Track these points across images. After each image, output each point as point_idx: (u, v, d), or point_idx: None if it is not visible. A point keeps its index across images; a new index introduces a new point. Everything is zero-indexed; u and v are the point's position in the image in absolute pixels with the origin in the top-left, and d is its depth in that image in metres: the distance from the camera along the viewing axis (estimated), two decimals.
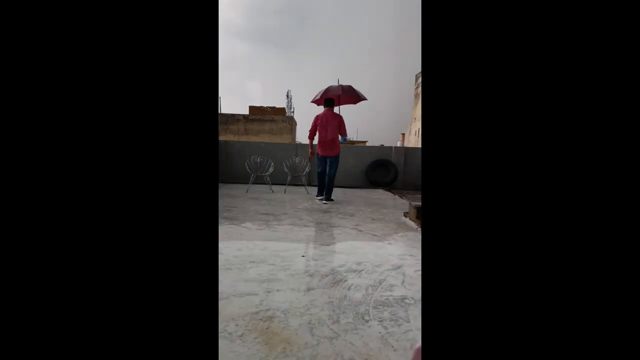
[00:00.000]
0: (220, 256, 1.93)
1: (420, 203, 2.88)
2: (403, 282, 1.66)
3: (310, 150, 4.35)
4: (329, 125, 3.94)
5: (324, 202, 4.05)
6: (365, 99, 4.39)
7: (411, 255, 2.09)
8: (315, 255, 2.04)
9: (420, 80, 14.30)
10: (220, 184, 5.58)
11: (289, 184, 5.10)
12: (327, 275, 1.69)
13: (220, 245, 2.14)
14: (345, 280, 1.63)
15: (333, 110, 4.07)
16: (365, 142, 29.08)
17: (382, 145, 7.17)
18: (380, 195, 5.14)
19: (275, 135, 16.33)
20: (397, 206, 4.07)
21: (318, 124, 3.99)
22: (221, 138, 13.77)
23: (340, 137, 4.04)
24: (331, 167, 4.05)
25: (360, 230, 2.73)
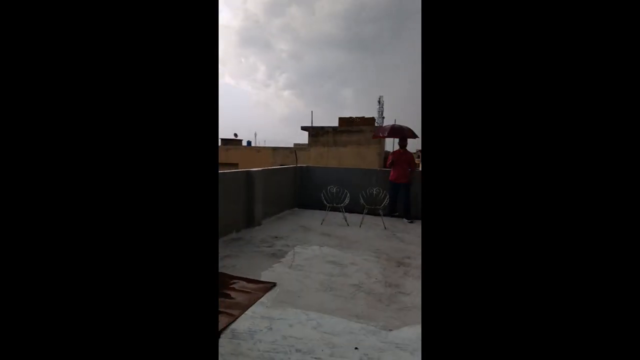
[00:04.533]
0: (269, 333, 1.85)
1: None
2: None
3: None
4: (401, 161, 5.02)
5: (407, 221, 4.92)
6: (413, 137, 5.11)
7: None
8: (372, 347, 1.76)
9: None
10: (298, 209, 5.72)
11: (367, 214, 4.84)
12: None
13: (275, 313, 2.08)
14: None
15: (405, 148, 5.11)
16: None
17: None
18: None
19: (362, 146, 16.20)
20: None
21: (394, 159, 5.03)
22: (311, 149, 14.39)
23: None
24: (403, 192, 4.99)
25: None
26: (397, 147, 5.27)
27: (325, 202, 4.83)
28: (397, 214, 5.10)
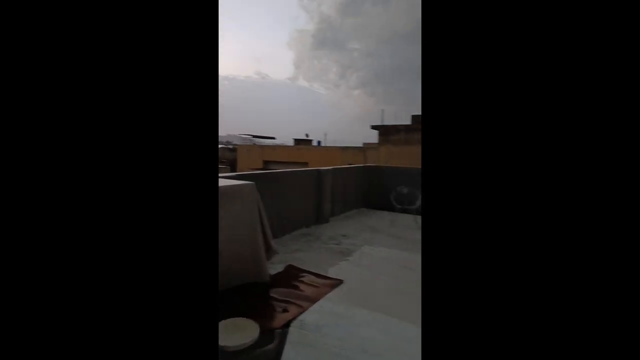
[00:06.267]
0: (336, 329, 1.87)
1: None
2: None
3: None
4: None
5: None
6: None
7: None
8: None
9: None
10: (366, 209, 5.65)
11: None
12: None
13: (342, 310, 2.09)
14: None
15: None
16: None
17: None
18: None
19: None
20: None
21: None
22: (381, 149, 14.07)
23: None
24: None
25: None
26: None
27: (394, 203, 4.68)
28: None
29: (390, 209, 4.86)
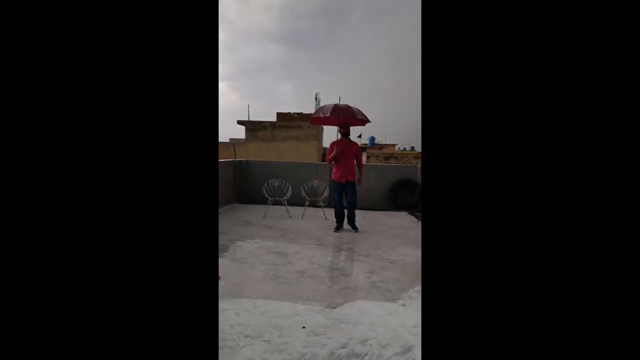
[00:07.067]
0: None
1: None
2: None
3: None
4: (345, 154, 3.88)
5: (353, 230, 4.05)
6: (368, 121, 4.00)
7: None
8: (318, 325, 1.87)
9: None
10: (238, 204, 5.59)
11: (308, 206, 4.97)
12: None
13: (221, 304, 2.05)
14: None
15: (349, 137, 3.99)
16: (394, 145, 28.36)
17: (413, 148, 6.83)
18: (403, 221, 4.86)
19: (301, 142, 16.37)
20: (419, 239, 3.79)
21: (337, 152, 3.85)
22: (249, 144, 14.00)
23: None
24: (351, 194, 3.94)
25: (374, 282, 2.52)
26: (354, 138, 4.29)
27: (267, 195, 4.82)
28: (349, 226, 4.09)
29: (264, 202, 4.98)
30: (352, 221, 4.06)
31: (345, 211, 4.09)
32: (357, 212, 4.23)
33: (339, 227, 4.07)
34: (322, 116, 3.87)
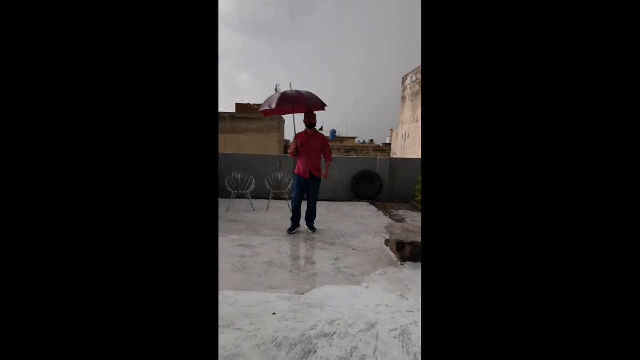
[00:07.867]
0: None
1: (400, 238, 2.82)
2: (375, 350, 1.59)
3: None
4: (309, 147, 3.46)
5: (310, 231, 3.69)
6: (324, 106, 3.60)
7: (387, 306, 2.04)
8: (287, 310, 1.95)
9: (407, 82, 14.16)
10: None
11: (273, 198, 4.98)
12: (296, 345, 1.61)
13: None
14: (315, 352, 1.56)
15: (314, 128, 3.54)
16: (354, 138, 28.95)
17: (372, 140, 7.06)
18: (365, 210, 5.09)
19: (262, 134, 16.09)
20: (380, 227, 4.02)
21: (299, 145, 3.44)
22: None
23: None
24: (313, 191, 3.56)
25: (339, 268, 2.66)
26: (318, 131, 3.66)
27: (229, 189, 4.74)
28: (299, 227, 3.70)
29: (227, 195, 4.89)
30: (310, 221, 3.65)
31: (304, 209, 3.63)
32: (320, 203, 4.07)
33: (293, 228, 3.60)
34: (268, 108, 3.43)
